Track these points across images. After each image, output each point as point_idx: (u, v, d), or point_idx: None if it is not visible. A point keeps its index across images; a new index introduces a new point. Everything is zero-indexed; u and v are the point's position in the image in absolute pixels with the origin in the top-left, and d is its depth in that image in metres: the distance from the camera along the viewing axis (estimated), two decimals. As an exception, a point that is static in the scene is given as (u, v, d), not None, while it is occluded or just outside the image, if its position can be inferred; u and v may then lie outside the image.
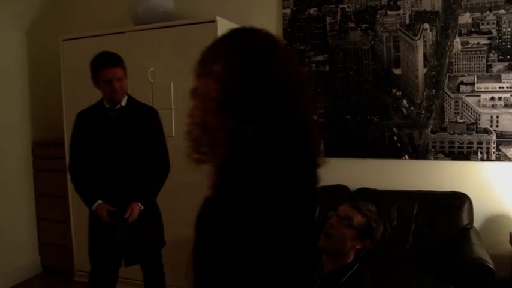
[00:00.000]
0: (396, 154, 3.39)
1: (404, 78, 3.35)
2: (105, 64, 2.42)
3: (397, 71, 3.36)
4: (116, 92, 2.46)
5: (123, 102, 2.53)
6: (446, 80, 3.25)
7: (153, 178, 2.59)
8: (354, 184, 3.42)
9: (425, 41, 3.28)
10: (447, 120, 3.27)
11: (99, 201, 2.48)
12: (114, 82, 2.43)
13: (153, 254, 2.70)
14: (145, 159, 2.54)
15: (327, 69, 3.53)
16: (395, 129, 3.39)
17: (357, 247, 1.84)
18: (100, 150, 2.49)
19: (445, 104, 3.27)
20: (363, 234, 1.84)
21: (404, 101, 3.35)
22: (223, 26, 3.31)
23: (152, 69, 3.37)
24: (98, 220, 2.50)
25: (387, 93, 3.39)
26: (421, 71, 3.30)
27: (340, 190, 3.41)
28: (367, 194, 3.31)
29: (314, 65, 3.56)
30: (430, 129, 3.31)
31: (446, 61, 3.24)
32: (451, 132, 3.26)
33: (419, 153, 3.34)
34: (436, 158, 3.30)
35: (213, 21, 3.24)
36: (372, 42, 3.40)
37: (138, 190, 2.52)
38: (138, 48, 3.51)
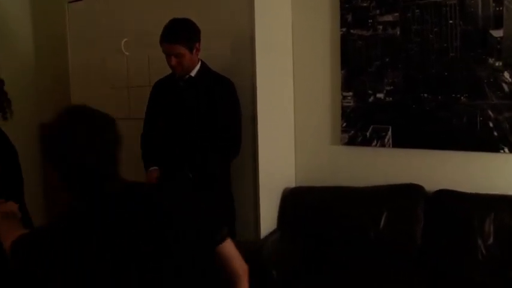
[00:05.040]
0: (492, 146, 2.73)
1: (508, 43, 2.62)
2: (163, 39, 2.54)
3: (497, 33, 2.65)
4: (173, 68, 2.59)
5: (193, 73, 2.66)
6: None
7: (210, 153, 2.65)
8: (432, 184, 2.83)
9: (540, -10, 2.53)
10: None
11: (154, 167, 2.71)
12: (171, 58, 2.55)
13: None
14: (207, 130, 2.64)
15: (398, 32, 2.92)
16: (491, 113, 2.71)
17: None
18: (167, 117, 2.70)
19: None
20: None
21: (506, 74, 2.66)
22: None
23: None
24: None
25: (481, 63, 2.71)
26: (533, 32, 2.57)
27: (413, 191, 2.86)
28: (450, 198, 2.73)
29: (381, 27, 2.96)
30: (541, 112, 2.60)
31: None
32: None
33: (525, 145, 2.66)
34: (549, 153, 2.60)
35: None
36: (462, -6, 2.74)
37: (192, 161, 2.64)
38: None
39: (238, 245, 2.67)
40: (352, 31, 3.04)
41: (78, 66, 3.56)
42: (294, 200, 3.11)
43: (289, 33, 3.24)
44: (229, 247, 1.45)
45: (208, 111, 2.65)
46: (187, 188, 1.42)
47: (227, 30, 2.87)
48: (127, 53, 3.20)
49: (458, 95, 2.79)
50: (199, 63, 2.66)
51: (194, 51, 2.58)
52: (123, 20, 3.25)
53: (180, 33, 2.54)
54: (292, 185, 3.26)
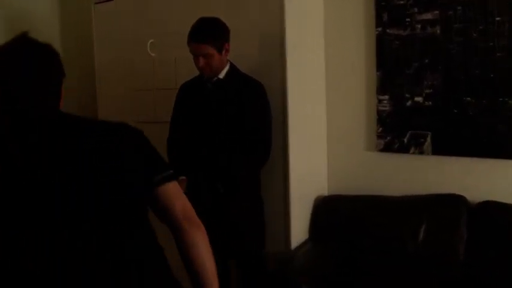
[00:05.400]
0: (543, 154, 2.59)
1: (561, 42, 2.48)
2: (190, 39, 2.49)
3: (551, 30, 2.50)
4: (200, 69, 2.54)
5: (221, 75, 2.60)
6: None
7: (236, 154, 2.59)
8: (474, 195, 2.69)
9: None
10: None
11: (182, 177, 2.56)
12: (198, 58, 2.50)
13: (251, 254, 2.70)
14: (235, 133, 2.60)
15: (438, 31, 2.78)
16: (542, 118, 2.58)
17: None
18: (194, 120, 2.66)
19: None
20: None
21: (559, 76, 2.50)
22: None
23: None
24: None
25: (532, 64, 2.56)
26: None
27: (455, 202, 2.72)
28: (496, 210, 2.58)
29: (419, 26, 2.83)
30: None
31: None
32: None
33: None
34: None
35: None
36: (510, -12, 2.58)
37: (216, 165, 2.60)
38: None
39: (268, 256, 2.66)
40: (388, 31, 2.94)
41: (104, 68, 3.58)
42: (326, 209, 3.03)
43: (321, 33, 3.17)
44: (169, 190, 1.27)
45: (237, 114, 2.59)
46: (129, 128, 1.32)
47: (256, 29, 2.82)
48: (153, 54, 3.18)
49: (505, 99, 2.63)
50: (228, 64, 2.60)
51: (223, 51, 2.53)
52: (149, 21, 3.25)
53: (209, 33, 2.49)
54: (325, 193, 3.19)
